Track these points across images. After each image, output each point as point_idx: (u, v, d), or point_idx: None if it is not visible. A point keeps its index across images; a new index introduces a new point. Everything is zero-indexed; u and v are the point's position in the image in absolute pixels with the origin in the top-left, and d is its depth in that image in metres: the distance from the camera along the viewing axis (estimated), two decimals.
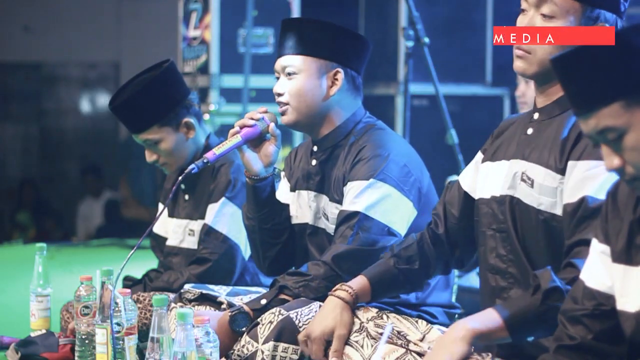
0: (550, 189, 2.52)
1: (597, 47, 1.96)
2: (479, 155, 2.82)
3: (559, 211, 2.50)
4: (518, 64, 2.61)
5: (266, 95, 6.02)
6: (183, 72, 6.56)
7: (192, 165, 3.05)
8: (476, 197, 2.76)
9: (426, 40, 5.09)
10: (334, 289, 2.84)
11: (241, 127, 3.16)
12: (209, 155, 3.09)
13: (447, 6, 6.86)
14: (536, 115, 2.63)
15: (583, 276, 2.24)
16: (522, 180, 2.58)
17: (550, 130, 2.57)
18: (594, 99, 1.97)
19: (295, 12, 6.60)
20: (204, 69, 6.65)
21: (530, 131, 2.63)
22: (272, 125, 3.18)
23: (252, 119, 3.17)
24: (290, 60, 3.17)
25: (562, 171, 2.50)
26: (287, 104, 3.17)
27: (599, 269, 2.20)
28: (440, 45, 6.24)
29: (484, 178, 2.73)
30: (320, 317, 2.78)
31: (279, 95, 3.19)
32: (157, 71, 3.65)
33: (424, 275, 2.88)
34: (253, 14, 6.38)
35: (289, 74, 3.17)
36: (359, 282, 2.83)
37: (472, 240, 2.80)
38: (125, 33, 11.17)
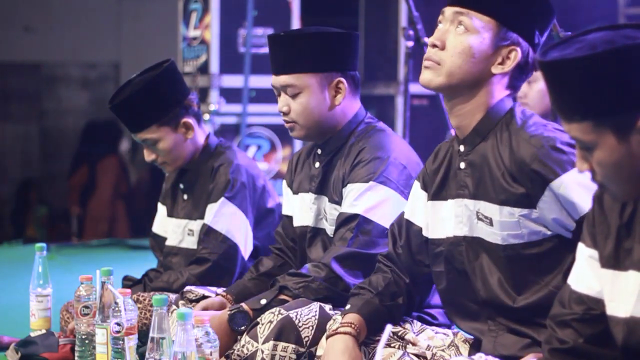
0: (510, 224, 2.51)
1: (575, 66, 1.95)
2: (419, 190, 2.78)
3: (521, 241, 2.51)
4: (425, 75, 2.61)
5: (266, 95, 6.02)
6: (183, 72, 6.56)
7: None
8: (429, 237, 2.73)
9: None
10: (334, 328, 2.72)
11: None
12: None
13: None
14: (462, 148, 2.63)
15: (570, 280, 2.24)
16: (479, 219, 2.58)
17: (482, 163, 2.57)
18: (567, 112, 2.00)
19: (295, 12, 6.60)
20: (204, 69, 6.64)
21: (462, 165, 2.63)
22: None
23: None
24: (290, 80, 3.12)
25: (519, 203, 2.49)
26: (294, 122, 3.14)
27: (587, 273, 2.20)
28: None
29: (434, 218, 2.71)
30: (333, 356, 2.66)
31: (285, 114, 3.15)
32: (157, 71, 3.65)
33: (411, 305, 2.84)
34: (253, 14, 6.39)
35: (292, 94, 3.13)
36: (356, 318, 2.71)
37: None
38: (125, 33, 11.17)
